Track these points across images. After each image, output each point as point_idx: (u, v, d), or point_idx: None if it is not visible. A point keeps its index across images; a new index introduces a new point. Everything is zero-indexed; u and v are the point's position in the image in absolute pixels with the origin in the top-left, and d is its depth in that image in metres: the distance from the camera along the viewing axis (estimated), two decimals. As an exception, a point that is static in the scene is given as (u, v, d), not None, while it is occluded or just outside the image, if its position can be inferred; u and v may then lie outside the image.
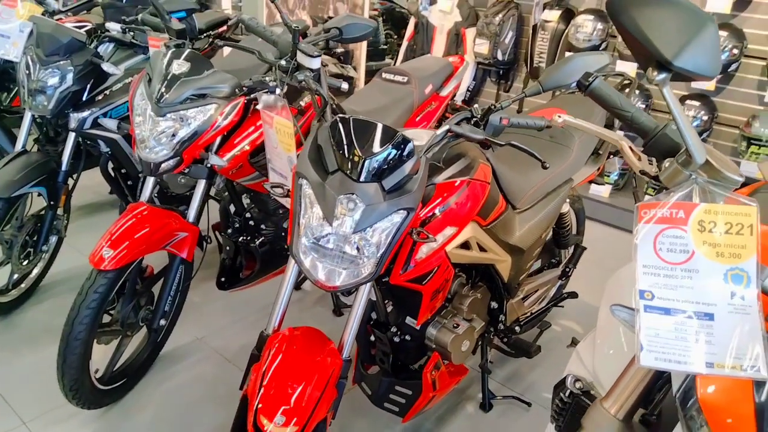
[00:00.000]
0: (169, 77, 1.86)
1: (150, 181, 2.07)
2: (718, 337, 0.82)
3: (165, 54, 1.92)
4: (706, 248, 0.84)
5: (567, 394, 1.21)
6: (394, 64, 4.94)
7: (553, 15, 3.99)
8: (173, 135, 1.87)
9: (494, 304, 2.02)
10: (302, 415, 1.32)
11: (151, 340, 2.21)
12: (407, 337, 1.79)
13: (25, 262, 2.51)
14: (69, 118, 2.41)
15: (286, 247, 2.41)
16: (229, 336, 2.53)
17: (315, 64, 1.69)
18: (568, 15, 3.97)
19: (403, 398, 1.80)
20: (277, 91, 1.81)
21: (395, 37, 5.74)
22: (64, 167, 2.43)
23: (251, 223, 2.31)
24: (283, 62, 1.78)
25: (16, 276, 2.53)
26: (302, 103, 2.27)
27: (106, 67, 2.33)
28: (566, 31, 3.93)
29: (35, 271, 2.61)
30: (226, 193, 2.29)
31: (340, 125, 1.37)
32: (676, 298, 0.84)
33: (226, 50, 3.62)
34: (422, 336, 1.81)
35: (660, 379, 1.02)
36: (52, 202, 2.46)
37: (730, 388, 0.84)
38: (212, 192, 2.28)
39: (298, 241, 1.38)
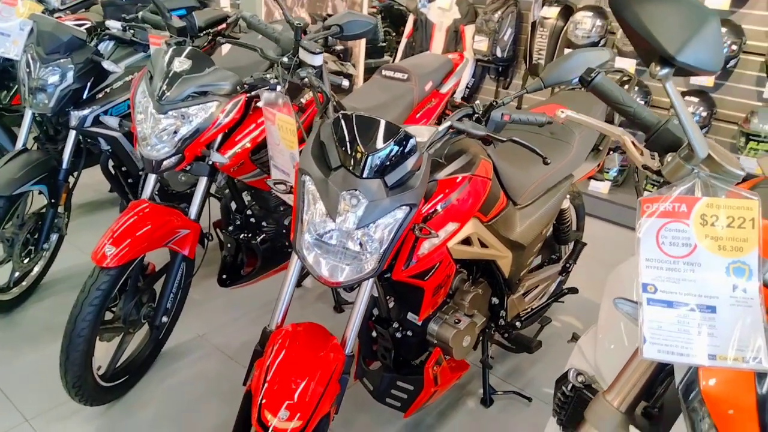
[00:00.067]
0: (170, 75, 1.87)
1: (151, 178, 2.08)
2: (720, 329, 0.82)
3: (166, 52, 1.92)
4: (708, 242, 0.85)
5: (569, 387, 1.22)
6: (393, 62, 4.93)
7: (552, 12, 3.99)
8: (175, 132, 1.87)
9: (495, 300, 2.03)
10: (306, 410, 1.33)
11: (153, 337, 2.21)
12: (409, 333, 1.80)
13: (26, 260, 2.52)
14: (69, 116, 2.41)
15: (287, 244, 2.41)
16: (230, 333, 2.54)
17: (317, 60, 1.70)
18: (567, 12, 3.98)
19: (404, 393, 1.81)
20: (278, 88, 1.82)
21: (394, 34, 5.74)
22: (64, 165, 2.44)
23: (252, 220, 2.32)
24: (285, 59, 1.78)
25: (17, 274, 2.54)
26: (303, 101, 2.28)
27: (106, 65, 2.33)
28: (565, 27, 3.93)
29: (36, 269, 2.62)
30: (227, 191, 2.29)
31: (343, 122, 1.38)
32: (679, 291, 0.85)
33: (225, 48, 3.63)
34: (424, 332, 1.82)
35: (662, 372, 1.03)
36: (53, 200, 2.46)
37: (732, 379, 0.85)
38: (212, 189, 2.28)
39: (301, 238, 1.39)
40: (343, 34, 1.95)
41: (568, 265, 2.53)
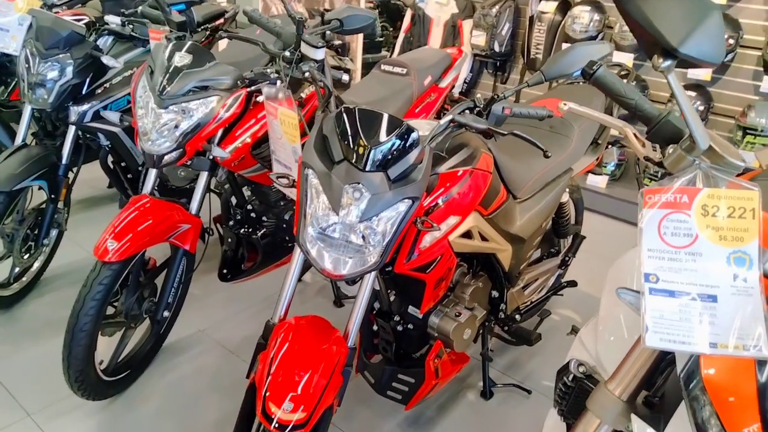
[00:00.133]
0: (171, 69, 1.87)
1: (152, 173, 2.08)
2: (721, 318, 0.84)
3: (166, 46, 1.92)
4: (709, 232, 0.86)
5: (570, 378, 1.23)
6: (391, 57, 4.93)
7: (550, 6, 3.99)
8: (176, 127, 1.88)
9: (495, 293, 2.05)
10: (310, 402, 1.34)
11: (154, 332, 2.22)
12: (410, 326, 1.81)
13: (27, 256, 2.52)
14: (69, 111, 2.41)
15: (287, 238, 2.42)
16: (230, 327, 2.54)
17: (319, 54, 1.70)
18: (565, 6, 3.98)
19: (405, 386, 1.82)
20: (278, 83, 1.82)
21: (391, 29, 5.73)
22: (64, 161, 2.43)
23: (252, 215, 2.33)
24: (287, 53, 1.79)
25: (17, 269, 2.54)
26: (302, 95, 2.28)
27: (105, 60, 2.32)
28: (563, 22, 3.94)
29: (36, 265, 2.62)
30: (228, 185, 2.30)
31: (346, 115, 1.39)
32: (680, 280, 0.86)
33: (223, 43, 3.62)
34: (425, 325, 1.83)
35: (663, 362, 1.04)
36: (52, 196, 2.46)
37: (732, 367, 0.86)
38: (212, 185, 2.29)
39: (304, 231, 1.39)
40: (342, 28, 1.96)
41: (567, 258, 2.54)
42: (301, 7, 4.49)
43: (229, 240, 2.38)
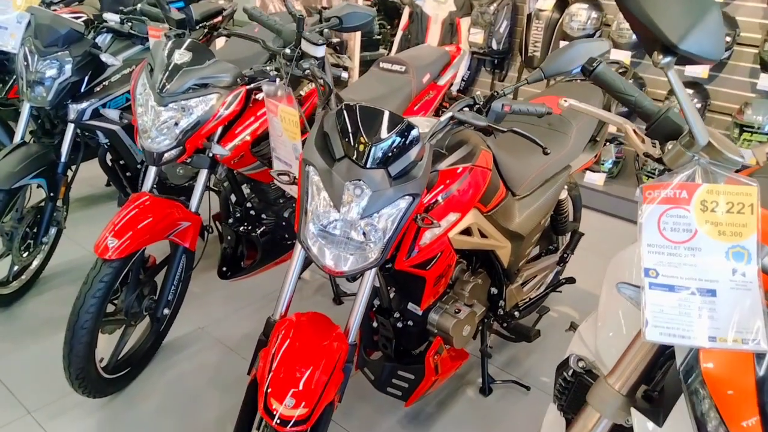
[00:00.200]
0: (170, 67, 1.87)
1: (152, 171, 2.08)
2: (720, 312, 0.85)
3: (166, 44, 1.92)
4: (708, 227, 0.87)
5: (570, 373, 1.24)
6: (389, 55, 4.94)
7: (548, 4, 4.00)
8: (176, 125, 1.88)
9: (494, 290, 2.06)
10: (311, 398, 1.35)
11: (154, 330, 2.22)
12: (410, 323, 1.82)
13: (26, 254, 2.51)
14: (68, 109, 2.40)
15: (286, 236, 2.42)
16: (230, 325, 2.55)
17: (320, 52, 1.71)
18: (563, 4, 3.99)
19: (405, 383, 1.83)
20: (277, 81, 1.82)
21: (388, 27, 5.73)
22: (63, 159, 2.43)
23: (252, 212, 2.33)
24: (287, 51, 1.79)
25: (16, 268, 2.54)
26: (301, 93, 2.29)
27: (104, 57, 2.32)
28: (560, 20, 3.95)
29: (35, 263, 2.62)
30: (227, 183, 2.30)
31: (346, 112, 1.39)
32: (680, 275, 0.87)
33: (220, 41, 3.62)
34: (424, 321, 1.84)
35: (662, 356, 1.05)
36: (51, 194, 2.46)
37: (731, 361, 0.87)
38: (211, 183, 2.29)
39: (305, 228, 1.40)
40: (342, 25, 1.96)
41: (565, 255, 2.56)
42: (299, 4, 4.48)
43: (229, 238, 2.38)
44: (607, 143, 2.43)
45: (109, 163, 2.76)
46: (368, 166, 1.33)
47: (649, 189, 0.90)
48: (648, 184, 0.90)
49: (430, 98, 2.58)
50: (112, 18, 2.44)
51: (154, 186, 2.11)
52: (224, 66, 1.94)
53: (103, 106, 2.46)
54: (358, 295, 1.53)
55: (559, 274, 2.64)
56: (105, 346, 2.06)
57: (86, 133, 2.63)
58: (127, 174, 2.78)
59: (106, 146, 2.68)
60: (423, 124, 1.51)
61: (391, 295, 1.77)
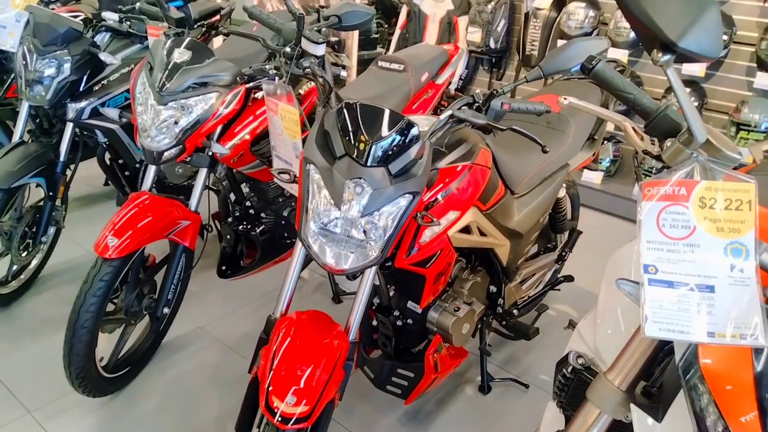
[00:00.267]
0: (170, 66, 1.87)
1: (151, 170, 2.08)
2: (718, 308, 0.85)
3: (165, 43, 1.92)
4: (706, 224, 0.87)
5: (569, 369, 1.25)
6: (387, 53, 4.94)
7: (545, 3, 4.01)
8: (175, 123, 1.88)
9: (493, 288, 2.06)
10: (312, 396, 1.35)
11: (154, 329, 2.23)
12: (409, 321, 1.83)
13: (25, 254, 2.51)
14: (66, 108, 2.40)
15: (286, 235, 2.43)
16: (229, 324, 2.55)
17: (320, 50, 1.71)
18: (560, 3, 4.00)
19: (405, 381, 1.84)
20: (278, 79, 1.83)
21: (386, 26, 5.73)
22: (62, 158, 2.43)
23: (251, 211, 2.33)
24: (287, 49, 1.79)
25: (15, 267, 2.54)
26: (300, 92, 2.29)
27: (103, 56, 2.32)
28: (558, 18, 3.96)
29: (34, 262, 2.62)
30: (226, 182, 2.31)
31: (347, 111, 1.40)
32: (679, 271, 0.88)
33: (218, 40, 3.62)
34: (424, 320, 1.85)
35: (661, 352, 1.06)
36: (50, 193, 2.46)
37: (730, 356, 0.88)
38: (210, 182, 2.29)
39: (306, 226, 1.40)
40: (341, 24, 1.96)
41: (563, 253, 2.56)
42: (297, 3, 4.49)
43: (228, 237, 2.38)
44: (605, 142, 2.44)
45: (108, 162, 2.75)
46: (369, 164, 1.34)
47: (648, 186, 0.91)
48: (647, 181, 0.91)
49: (429, 97, 2.58)
50: (110, 17, 2.44)
51: (154, 185, 2.11)
52: (224, 65, 1.94)
53: (102, 105, 2.46)
54: (358, 293, 1.54)
55: (557, 272, 2.65)
56: (105, 345, 2.06)
57: (85, 132, 2.63)
58: (126, 173, 2.78)
59: (104, 145, 2.68)
60: (423, 123, 1.52)
61: (391, 294, 1.78)
